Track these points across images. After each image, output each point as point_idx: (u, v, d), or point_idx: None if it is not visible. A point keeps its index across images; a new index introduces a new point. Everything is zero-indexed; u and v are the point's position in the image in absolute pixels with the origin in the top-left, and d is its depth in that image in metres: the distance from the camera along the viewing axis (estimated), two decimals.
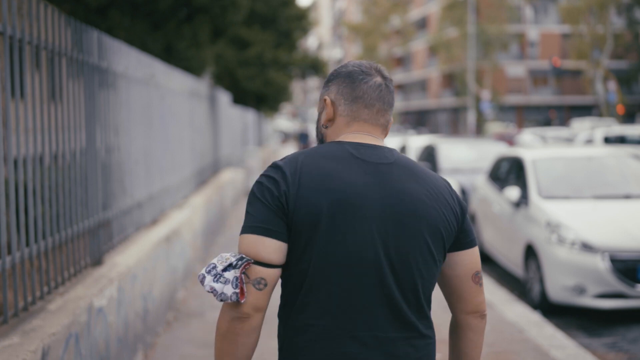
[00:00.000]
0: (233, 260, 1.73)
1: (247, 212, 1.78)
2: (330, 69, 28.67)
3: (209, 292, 1.72)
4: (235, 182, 14.08)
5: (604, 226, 6.48)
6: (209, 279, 1.72)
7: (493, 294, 6.80)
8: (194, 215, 7.62)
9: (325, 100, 1.92)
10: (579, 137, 17.41)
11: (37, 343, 2.83)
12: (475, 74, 43.85)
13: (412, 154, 15.25)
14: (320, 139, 1.95)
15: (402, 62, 67.57)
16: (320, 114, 1.95)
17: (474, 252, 1.91)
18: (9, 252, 3.22)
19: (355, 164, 1.79)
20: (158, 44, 10.74)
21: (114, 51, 4.81)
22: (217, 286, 1.70)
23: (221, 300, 1.72)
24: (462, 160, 12.13)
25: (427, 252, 1.79)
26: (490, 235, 8.43)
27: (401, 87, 69.28)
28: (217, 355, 1.78)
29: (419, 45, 60.72)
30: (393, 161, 1.82)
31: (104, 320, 3.81)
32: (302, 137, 26.39)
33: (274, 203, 1.74)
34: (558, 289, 6.30)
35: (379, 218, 1.75)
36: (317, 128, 1.98)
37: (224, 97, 13.52)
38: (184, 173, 8.07)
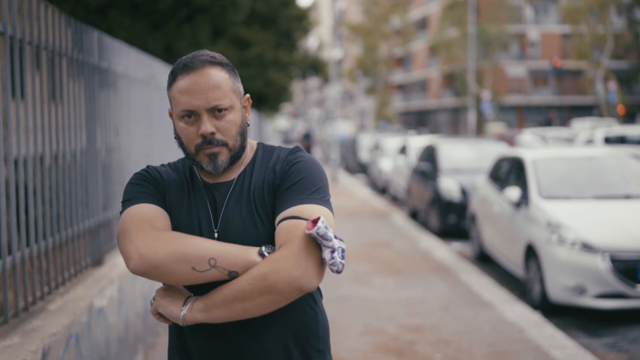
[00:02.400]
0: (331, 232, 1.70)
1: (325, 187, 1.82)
2: (331, 69, 28.69)
3: (329, 258, 1.68)
4: None
5: (604, 226, 6.48)
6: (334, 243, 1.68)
7: (493, 293, 6.80)
8: None
9: (249, 97, 1.92)
10: (579, 138, 17.40)
11: (37, 343, 2.83)
12: (475, 74, 43.83)
13: (413, 154, 15.25)
14: (245, 137, 1.87)
15: (402, 62, 67.56)
16: (230, 108, 1.82)
17: None
18: (10, 252, 3.22)
19: None
20: (158, 44, 10.75)
21: (114, 51, 4.81)
22: (328, 254, 1.69)
23: (337, 271, 1.69)
24: (463, 160, 12.13)
25: None
26: (490, 235, 8.43)
27: (401, 87, 69.27)
28: (237, 298, 1.69)
29: (419, 45, 60.72)
30: None
31: (104, 321, 3.81)
32: (306, 136, 26.74)
33: None
34: (558, 289, 6.30)
35: None
36: (242, 128, 1.86)
37: None
38: None
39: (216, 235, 1.81)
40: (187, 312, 1.74)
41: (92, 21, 9.16)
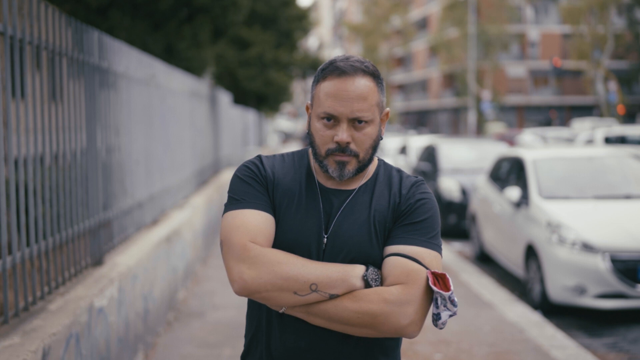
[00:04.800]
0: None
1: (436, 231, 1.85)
2: None
3: (446, 318, 1.75)
4: None
5: (605, 226, 6.48)
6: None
7: (493, 294, 6.80)
8: (195, 216, 7.62)
9: (388, 112, 1.90)
10: (580, 138, 17.41)
11: (37, 343, 2.83)
12: (475, 74, 43.83)
13: (413, 154, 15.26)
14: (375, 151, 1.87)
15: (402, 62, 67.56)
16: (370, 122, 1.81)
17: None
18: (10, 252, 3.22)
19: None
20: (158, 44, 10.74)
21: (115, 51, 4.81)
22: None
23: (440, 328, 1.78)
24: (463, 160, 12.13)
25: None
26: (490, 235, 8.43)
27: (402, 87, 69.28)
28: (367, 314, 1.72)
29: (419, 45, 60.72)
30: None
31: (104, 321, 3.81)
32: (306, 136, 26.94)
33: None
34: (559, 289, 6.30)
35: None
36: (376, 142, 1.85)
37: (225, 97, 13.51)
38: (185, 173, 8.08)
39: (325, 240, 1.80)
40: (289, 307, 1.76)
41: (93, 21, 9.16)
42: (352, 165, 1.80)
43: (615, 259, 6.10)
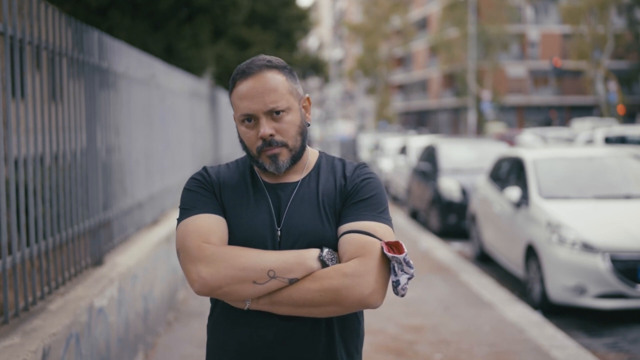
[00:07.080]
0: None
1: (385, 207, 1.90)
2: (331, 69, 28.67)
3: (404, 282, 1.78)
4: None
5: (605, 226, 6.48)
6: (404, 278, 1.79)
7: (493, 294, 6.80)
8: None
9: (308, 98, 1.98)
10: (580, 138, 17.40)
11: (37, 343, 2.83)
12: (475, 74, 43.82)
13: (413, 154, 15.26)
14: (305, 137, 1.92)
15: (402, 62, 67.54)
16: (288, 110, 1.86)
17: None
18: (10, 252, 3.22)
19: None
20: (159, 44, 10.74)
21: (115, 51, 4.81)
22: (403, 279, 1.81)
23: (402, 296, 1.80)
24: (463, 160, 12.13)
25: None
26: (490, 235, 8.43)
27: (402, 88, 69.26)
28: (319, 290, 1.76)
29: (419, 45, 60.70)
30: None
31: (104, 321, 3.81)
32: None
33: None
34: (559, 289, 6.30)
35: None
36: (302, 128, 1.90)
37: (225, 97, 13.51)
38: (185, 173, 8.07)
39: (279, 233, 1.85)
40: (253, 302, 1.80)
41: (93, 21, 9.15)
42: (284, 156, 1.86)
43: (615, 259, 6.10)
